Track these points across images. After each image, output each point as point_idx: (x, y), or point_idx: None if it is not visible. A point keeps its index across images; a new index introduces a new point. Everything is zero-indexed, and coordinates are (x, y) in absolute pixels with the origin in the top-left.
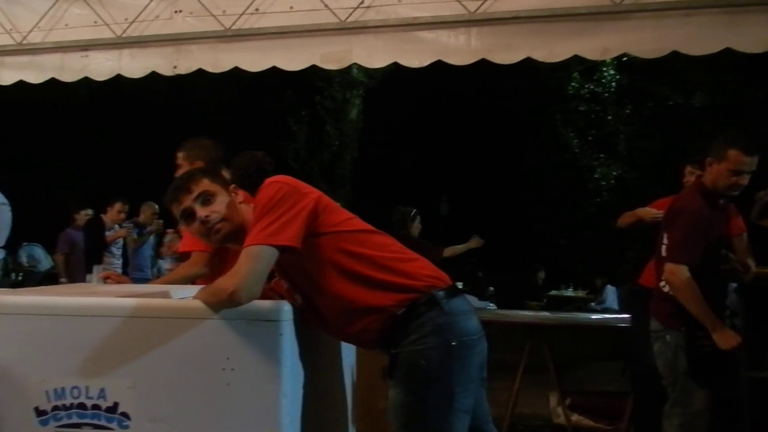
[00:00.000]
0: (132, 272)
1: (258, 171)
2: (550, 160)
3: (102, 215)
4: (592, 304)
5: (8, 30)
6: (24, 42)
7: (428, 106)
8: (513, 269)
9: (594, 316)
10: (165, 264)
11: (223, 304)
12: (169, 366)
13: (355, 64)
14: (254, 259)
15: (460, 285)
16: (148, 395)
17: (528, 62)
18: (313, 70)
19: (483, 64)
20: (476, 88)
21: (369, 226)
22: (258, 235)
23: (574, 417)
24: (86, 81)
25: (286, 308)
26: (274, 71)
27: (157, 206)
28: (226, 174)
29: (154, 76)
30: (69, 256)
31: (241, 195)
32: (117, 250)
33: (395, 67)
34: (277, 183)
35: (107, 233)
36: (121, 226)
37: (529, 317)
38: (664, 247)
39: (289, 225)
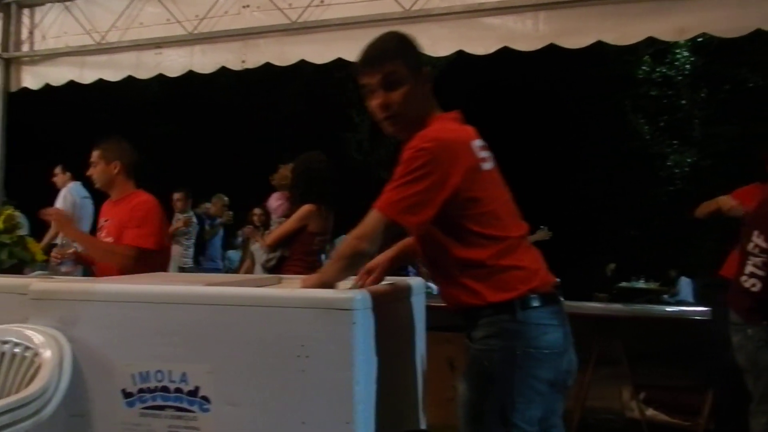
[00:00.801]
0: (204, 262)
1: (306, 171)
2: (619, 148)
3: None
4: (666, 296)
5: (88, 30)
6: (102, 42)
7: (491, 94)
8: (581, 261)
9: (669, 309)
10: (233, 255)
11: (350, 258)
12: (246, 352)
13: None
14: (379, 227)
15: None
16: (227, 380)
17: (594, 47)
18: None
19: (546, 51)
20: (539, 76)
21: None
22: (393, 207)
23: (649, 411)
24: (159, 77)
25: (360, 297)
26: (337, 63)
27: (226, 198)
28: (286, 171)
29: (220, 71)
30: None
31: None
32: (186, 240)
33: (458, 55)
34: (425, 148)
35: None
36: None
37: (599, 309)
38: (752, 245)
39: (425, 206)
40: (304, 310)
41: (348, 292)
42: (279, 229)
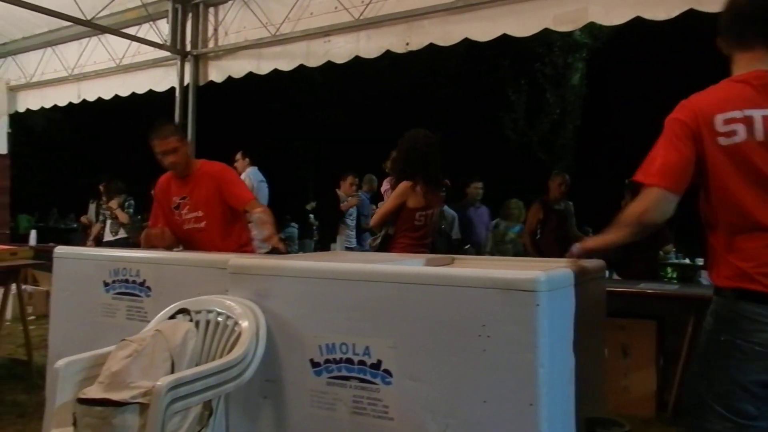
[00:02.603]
0: (364, 242)
1: (406, 150)
2: None
3: (336, 189)
4: None
5: (264, 24)
6: (277, 33)
7: (662, 64)
8: None
9: None
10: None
11: (633, 225)
12: (427, 329)
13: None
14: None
15: (701, 262)
16: (408, 355)
17: None
18: (533, 35)
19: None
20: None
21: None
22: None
23: None
24: (321, 66)
25: (543, 278)
26: (493, 40)
27: (375, 178)
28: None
29: (381, 56)
30: None
31: None
32: (351, 222)
33: (624, 25)
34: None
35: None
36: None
37: None
38: None
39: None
40: (486, 290)
41: (532, 273)
42: (380, 209)
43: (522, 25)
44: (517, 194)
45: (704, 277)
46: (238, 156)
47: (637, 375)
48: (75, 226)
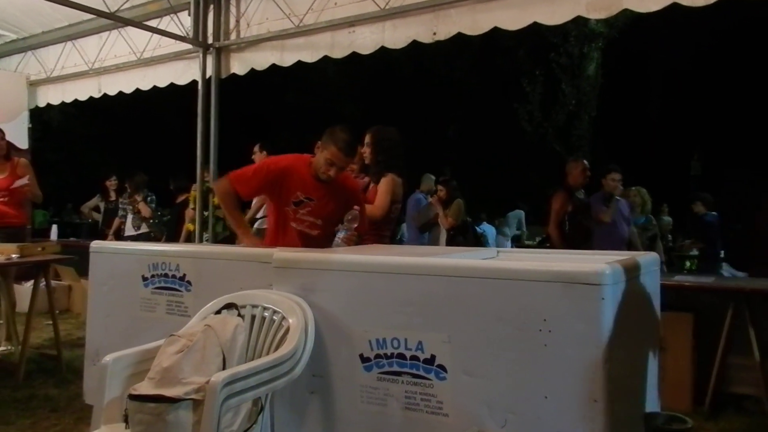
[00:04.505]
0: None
1: (390, 144)
2: None
3: None
4: None
5: (287, 15)
6: (300, 25)
7: (677, 52)
8: None
9: None
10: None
11: None
12: (484, 323)
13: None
14: None
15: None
16: (464, 350)
17: None
18: (546, 26)
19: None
20: (735, 31)
21: None
22: None
23: None
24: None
25: (608, 272)
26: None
27: (433, 177)
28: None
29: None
30: None
31: None
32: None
33: (638, 14)
34: None
35: None
36: None
37: None
38: None
39: None
40: (548, 284)
41: (597, 265)
42: (383, 204)
43: (553, 12)
44: (532, 182)
45: (726, 269)
46: (256, 148)
47: (673, 368)
48: (89, 221)
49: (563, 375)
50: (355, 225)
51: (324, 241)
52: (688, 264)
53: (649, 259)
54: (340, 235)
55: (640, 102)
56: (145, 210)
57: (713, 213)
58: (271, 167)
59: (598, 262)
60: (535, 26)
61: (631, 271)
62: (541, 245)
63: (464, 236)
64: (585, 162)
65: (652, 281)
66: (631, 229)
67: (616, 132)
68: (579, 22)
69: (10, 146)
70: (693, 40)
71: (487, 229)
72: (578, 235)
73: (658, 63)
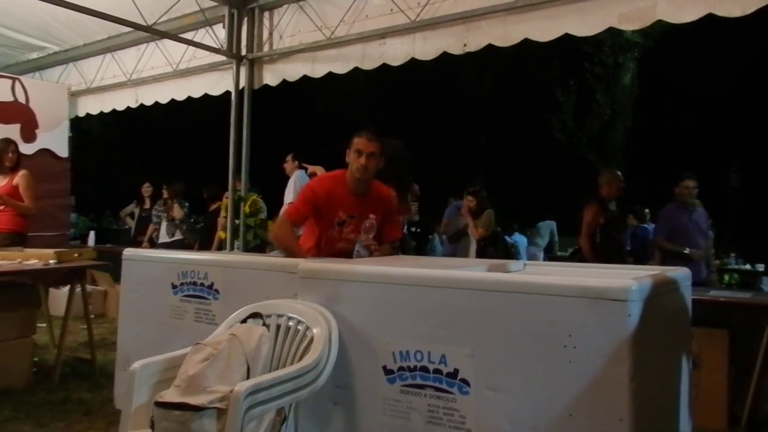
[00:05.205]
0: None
1: (397, 160)
2: None
3: None
4: None
5: (319, 27)
6: (332, 37)
7: (715, 62)
8: None
9: None
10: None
11: None
12: (508, 338)
13: None
14: None
15: (761, 267)
16: (488, 365)
17: None
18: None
19: None
20: None
21: None
22: None
23: None
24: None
25: (635, 287)
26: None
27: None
28: None
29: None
30: None
31: None
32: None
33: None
34: None
35: None
36: None
37: None
38: None
39: None
40: (574, 299)
41: (622, 281)
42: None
43: (585, 23)
44: (566, 193)
45: (767, 284)
46: (289, 158)
47: (708, 386)
48: (127, 227)
49: (588, 392)
50: (372, 234)
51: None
52: (726, 278)
53: (679, 274)
54: (359, 245)
55: (676, 112)
56: (178, 212)
57: (644, 225)
58: (315, 190)
59: (626, 278)
60: (567, 36)
61: (660, 287)
62: (572, 257)
63: (495, 247)
64: (618, 173)
65: (683, 297)
66: (707, 243)
67: (652, 143)
68: (613, 32)
69: (21, 158)
70: (732, 49)
71: (519, 239)
72: (609, 247)
73: (695, 72)
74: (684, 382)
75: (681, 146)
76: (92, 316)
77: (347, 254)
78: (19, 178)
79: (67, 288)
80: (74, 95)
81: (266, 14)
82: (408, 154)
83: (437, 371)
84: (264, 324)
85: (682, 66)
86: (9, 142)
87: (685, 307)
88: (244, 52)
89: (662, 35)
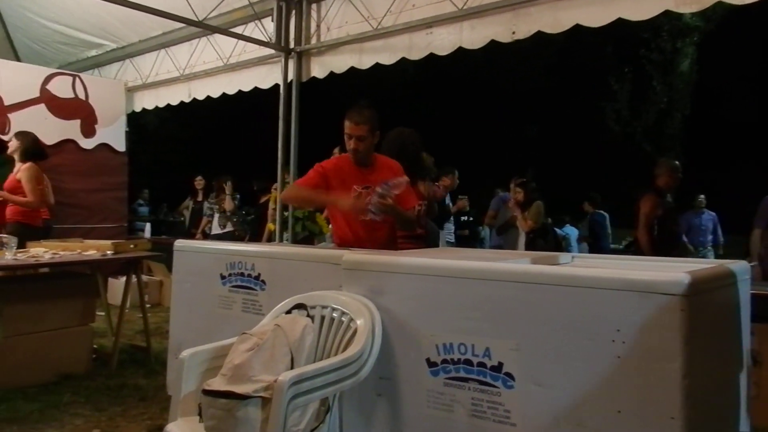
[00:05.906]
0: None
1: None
2: None
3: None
4: None
5: (366, 18)
6: (379, 27)
7: None
8: None
9: None
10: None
11: None
12: (554, 332)
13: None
14: None
15: None
16: (533, 358)
17: None
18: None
19: None
20: None
21: None
22: None
23: None
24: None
25: (688, 281)
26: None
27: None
28: None
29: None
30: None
31: None
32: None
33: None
34: None
35: None
36: None
37: None
38: None
39: None
40: (623, 293)
41: (676, 274)
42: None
43: (639, 7)
44: (620, 185)
45: None
46: (336, 150)
47: None
48: (182, 219)
49: (638, 389)
50: (396, 192)
51: (389, 225)
52: None
53: (737, 268)
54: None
55: (738, 99)
56: (229, 204)
57: (600, 212)
58: (323, 164)
59: (679, 271)
60: (621, 21)
61: (716, 281)
62: (627, 249)
63: (545, 239)
64: (677, 163)
65: (741, 291)
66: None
67: (712, 132)
68: (671, 15)
69: (30, 150)
70: None
71: (571, 231)
72: (668, 240)
73: (758, 57)
74: (742, 380)
75: (742, 135)
76: (148, 305)
77: (367, 225)
78: (22, 171)
79: (124, 278)
80: (130, 91)
81: (314, 6)
82: (418, 140)
83: (481, 364)
84: (308, 315)
85: (744, 50)
86: (17, 133)
87: (744, 302)
88: (292, 44)
89: (723, 18)
